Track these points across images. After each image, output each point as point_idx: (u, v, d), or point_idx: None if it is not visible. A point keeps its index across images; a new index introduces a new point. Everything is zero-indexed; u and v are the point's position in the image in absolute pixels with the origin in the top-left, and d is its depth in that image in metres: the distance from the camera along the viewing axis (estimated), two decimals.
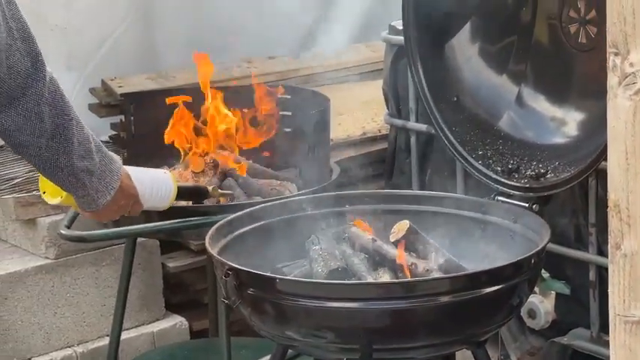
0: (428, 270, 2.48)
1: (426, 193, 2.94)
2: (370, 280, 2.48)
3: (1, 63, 2.06)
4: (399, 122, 3.43)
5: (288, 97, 3.40)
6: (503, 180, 2.78)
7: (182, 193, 2.66)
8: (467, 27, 2.91)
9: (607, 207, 1.78)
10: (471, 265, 2.60)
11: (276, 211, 2.75)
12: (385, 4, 4.37)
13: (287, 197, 2.98)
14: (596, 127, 2.58)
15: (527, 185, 2.73)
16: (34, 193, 3.46)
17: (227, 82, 3.79)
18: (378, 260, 2.56)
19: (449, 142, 2.89)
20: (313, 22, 4.46)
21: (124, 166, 2.39)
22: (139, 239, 3.37)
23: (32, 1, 3.70)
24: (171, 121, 3.24)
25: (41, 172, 2.25)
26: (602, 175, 2.69)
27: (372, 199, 2.82)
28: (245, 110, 3.31)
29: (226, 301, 2.42)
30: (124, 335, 3.41)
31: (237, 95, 3.38)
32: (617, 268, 1.77)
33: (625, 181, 1.74)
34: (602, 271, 2.82)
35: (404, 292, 2.30)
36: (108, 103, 3.86)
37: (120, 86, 3.85)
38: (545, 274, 2.94)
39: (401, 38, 3.07)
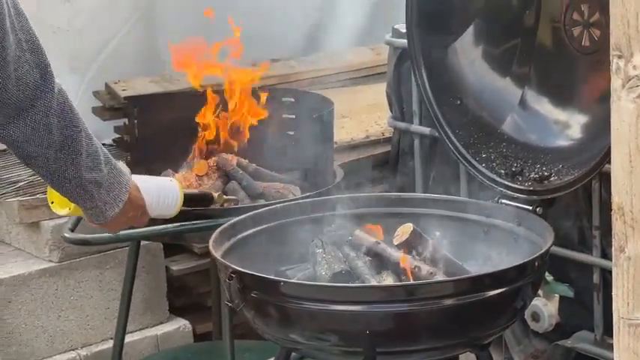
0: (431, 273, 2.48)
1: (430, 196, 2.93)
2: (374, 283, 2.48)
3: (9, 75, 2.06)
4: (402, 125, 3.43)
5: (292, 100, 3.40)
6: (506, 183, 2.78)
7: (188, 200, 2.67)
8: (470, 30, 2.91)
9: (611, 210, 1.78)
10: (475, 268, 2.60)
11: (279, 214, 2.75)
12: (388, 6, 4.38)
13: (290, 200, 2.98)
14: (599, 129, 2.58)
15: (531, 188, 2.73)
16: (37, 196, 3.47)
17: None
18: (382, 263, 2.56)
19: (452, 145, 2.89)
20: (316, 25, 4.47)
21: (133, 176, 2.39)
22: (143, 242, 3.37)
23: (34, 4, 3.70)
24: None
25: (49, 184, 2.25)
26: (605, 178, 2.68)
27: (375, 202, 2.82)
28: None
29: (230, 304, 2.42)
30: (128, 338, 3.40)
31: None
32: (621, 270, 1.77)
33: (629, 183, 1.74)
34: (606, 274, 2.81)
35: (407, 295, 2.30)
36: (111, 106, 3.86)
37: (123, 89, 3.85)
38: (548, 276, 2.94)
39: (404, 41, 3.07)
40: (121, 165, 2.33)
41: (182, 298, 3.74)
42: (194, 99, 3.34)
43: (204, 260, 3.60)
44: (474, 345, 2.44)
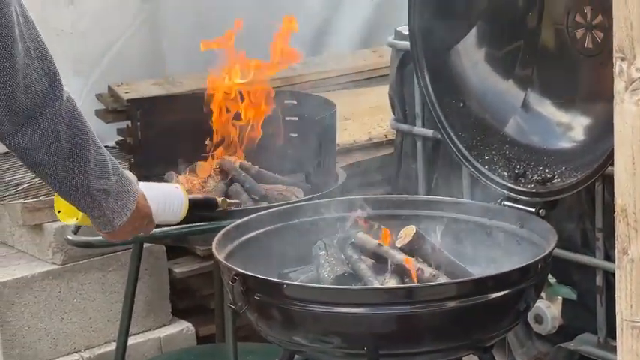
0: (434, 275, 2.48)
1: (433, 198, 2.93)
2: (377, 285, 2.48)
3: (18, 83, 2.06)
4: (405, 127, 3.43)
5: (294, 102, 3.41)
6: (509, 185, 2.78)
7: (192, 205, 2.68)
8: (473, 32, 2.91)
9: (614, 212, 1.79)
10: (478, 270, 2.60)
11: (282, 217, 2.75)
12: (391, 9, 4.38)
13: (293, 202, 2.98)
14: (602, 132, 2.58)
15: (534, 190, 2.73)
16: (40, 198, 3.47)
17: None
18: (385, 265, 2.56)
19: (455, 148, 2.89)
20: (319, 27, 4.47)
21: (139, 183, 2.39)
22: (146, 245, 3.37)
23: (38, 7, 3.70)
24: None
25: (57, 192, 2.25)
26: (608, 180, 2.68)
27: (378, 205, 2.82)
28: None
29: (233, 307, 2.42)
30: (131, 340, 3.41)
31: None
32: (624, 273, 1.77)
33: (632, 186, 1.74)
34: (609, 276, 2.81)
35: (410, 297, 2.30)
36: (114, 108, 3.86)
37: (126, 92, 3.86)
38: (551, 279, 2.94)
39: (407, 44, 3.07)
40: (128, 173, 2.33)
41: (185, 300, 3.74)
42: (197, 101, 3.34)
43: (207, 262, 3.60)
44: (477, 347, 2.44)
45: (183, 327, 3.67)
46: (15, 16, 2.05)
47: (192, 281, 3.71)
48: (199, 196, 2.90)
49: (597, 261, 2.85)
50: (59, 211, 2.46)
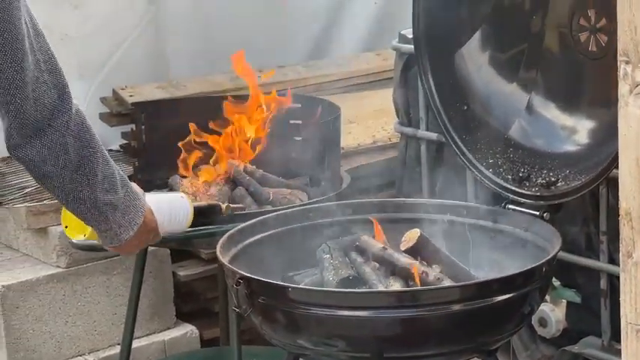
0: (439, 278, 2.48)
1: (437, 201, 2.93)
2: (381, 288, 2.48)
3: (27, 95, 2.07)
4: (409, 131, 3.43)
5: (299, 105, 3.41)
6: (513, 188, 2.78)
7: (197, 213, 2.70)
8: (477, 35, 2.91)
9: (618, 215, 1.79)
10: (482, 274, 2.60)
11: (286, 220, 2.75)
12: (395, 12, 4.38)
13: (298, 206, 2.98)
14: (606, 135, 2.57)
15: (538, 193, 2.73)
16: (45, 202, 3.47)
17: (238, 91, 3.80)
18: (389, 269, 2.56)
19: (459, 151, 2.89)
20: (323, 30, 4.47)
21: (145, 195, 2.40)
22: (150, 248, 3.37)
23: (43, 11, 3.70)
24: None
25: (64, 204, 2.25)
26: (613, 184, 2.68)
27: (382, 208, 2.82)
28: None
29: (237, 310, 2.43)
30: (135, 344, 3.41)
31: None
32: (629, 276, 1.77)
33: (636, 189, 1.74)
34: (614, 280, 2.81)
35: (415, 301, 2.30)
36: (119, 112, 3.87)
37: (131, 95, 3.86)
38: (556, 282, 2.94)
39: (411, 47, 3.07)
40: (136, 187, 2.34)
41: (189, 303, 3.74)
42: (201, 105, 3.35)
43: (212, 266, 3.60)
44: (482, 350, 2.44)
45: (187, 330, 3.67)
46: (25, 28, 2.06)
47: (196, 284, 3.71)
48: (203, 203, 2.91)
49: (602, 264, 2.85)
50: (66, 227, 2.47)
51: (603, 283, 2.85)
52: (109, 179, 2.21)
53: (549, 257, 2.43)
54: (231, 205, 2.97)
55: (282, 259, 2.67)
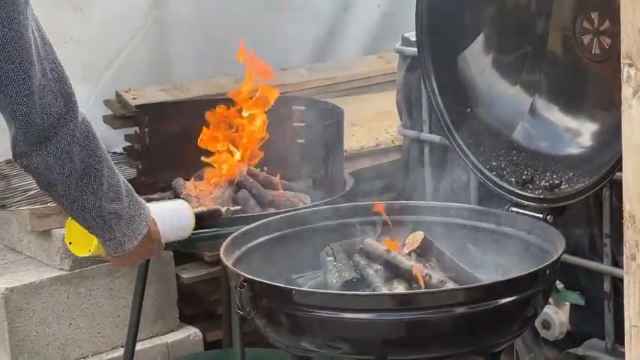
0: (442, 281, 2.48)
1: (440, 204, 2.93)
2: (385, 291, 2.48)
3: (34, 103, 2.08)
4: (412, 133, 3.43)
5: (302, 108, 3.41)
6: (517, 191, 2.78)
7: (198, 219, 2.71)
8: (480, 38, 2.91)
9: (622, 218, 1.79)
10: (486, 276, 2.59)
11: (290, 223, 2.76)
12: (398, 15, 4.38)
13: (301, 208, 2.98)
14: (610, 137, 2.57)
15: (542, 196, 2.73)
16: (48, 204, 3.47)
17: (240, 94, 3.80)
18: (393, 271, 2.56)
19: (462, 153, 2.89)
20: (326, 33, 4.47)
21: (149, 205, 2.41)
22: None
23: (46, 14, 3.70)
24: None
25: (69, 212, 2.26)
26: (616, 186, 2.68)
27: (386, 211, 2.82)
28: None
29: (241, 312, 2.43)
30: (139, 346, 3.41)
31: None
32: (633, 278, 1.77)
33: None
34: (617, 282, 2.81)
35: (418, 303, 2.30)
36: (122, 114, 3.87)
37: (134, 98, 3.86)
38: (559, 284, 2.93)
39: (414, 49, 3.07)
40: (141, 199, 2.34)
41: (192, 306, 3.74)
42: (204, 107, 3.35)
43: (215, 268, 3.60)
44: (485, 353, 2.44)
45: (190, 333, 3.67)
46: (32, 37, 2.07)
47: (199, 287, 3.71)
48: (204, 208, 2.92)
49: (605, 267, 2.85)
50: (70, 243, 2.48)
51: (607, 286, 2.85)
52: (114, 188, 2.22)
53: (553, 260, 2.43)
54: (230, 207, 2.98)
55: (285, 262, 2.67)
